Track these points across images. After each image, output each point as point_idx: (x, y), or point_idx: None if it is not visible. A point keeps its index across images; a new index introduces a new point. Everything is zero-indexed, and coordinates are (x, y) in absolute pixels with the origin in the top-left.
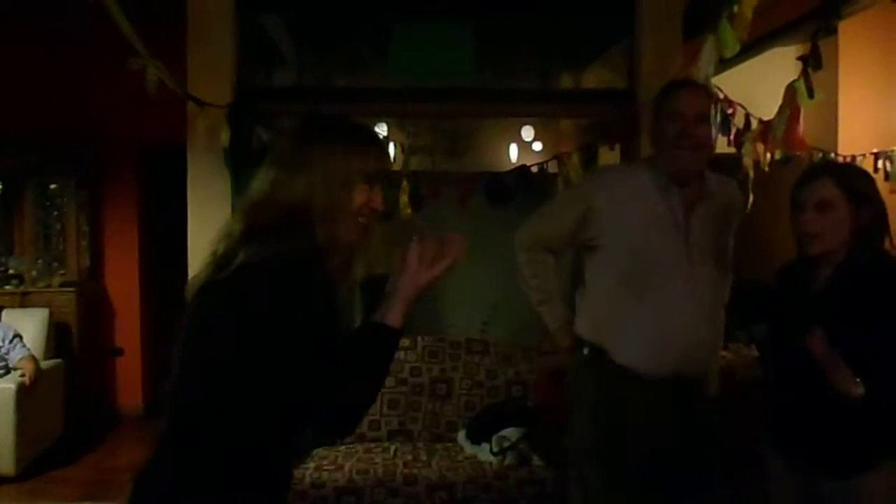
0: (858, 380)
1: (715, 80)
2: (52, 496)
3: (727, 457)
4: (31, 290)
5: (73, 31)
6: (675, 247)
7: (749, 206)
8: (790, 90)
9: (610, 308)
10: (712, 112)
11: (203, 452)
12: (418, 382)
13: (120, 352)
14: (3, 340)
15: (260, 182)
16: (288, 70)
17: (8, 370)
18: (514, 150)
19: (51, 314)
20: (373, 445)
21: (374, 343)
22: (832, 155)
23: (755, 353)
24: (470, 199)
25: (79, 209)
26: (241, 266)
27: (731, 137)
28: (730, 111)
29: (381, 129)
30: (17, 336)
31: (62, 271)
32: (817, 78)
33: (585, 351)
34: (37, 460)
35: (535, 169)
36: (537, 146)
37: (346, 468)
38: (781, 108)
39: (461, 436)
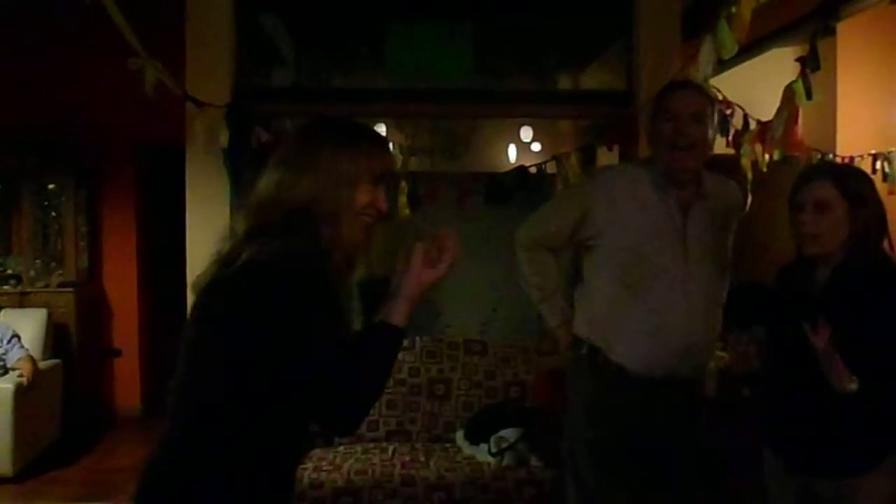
0: (853, 376)
1: (713, 81)
2: (49, 497)
3: (725, 457)
4: (29, 290)
5: (72, 31)
6: (671, 247)
7: (747, 207)
8: (789, 91)
9: (606, 307)
10: (710, 113)
11: (209, 449)
12: (416, 383)
13: (118, 352)
14: (1, 341)
15: (265, 183)
16: (287, 70)
17: (6, 370)
18: (512, 151)
19: (49, 314)
20: (371, 446)
21: (378, 341)
22: (830, 156)
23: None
24: (468, 200)
25: (77, 209)
26: (245, 264)
27: (730, 138)
28: (728, 112)
29: (380, 130)
30: (16, 336)
31: (60, 271)
32: (816, 79)
33: (583, 350)
34: (34, 461)
35: (533, 170)
36: (536, 147)
37: (344, 469)
38: (780, 109)
39: (459, 436)
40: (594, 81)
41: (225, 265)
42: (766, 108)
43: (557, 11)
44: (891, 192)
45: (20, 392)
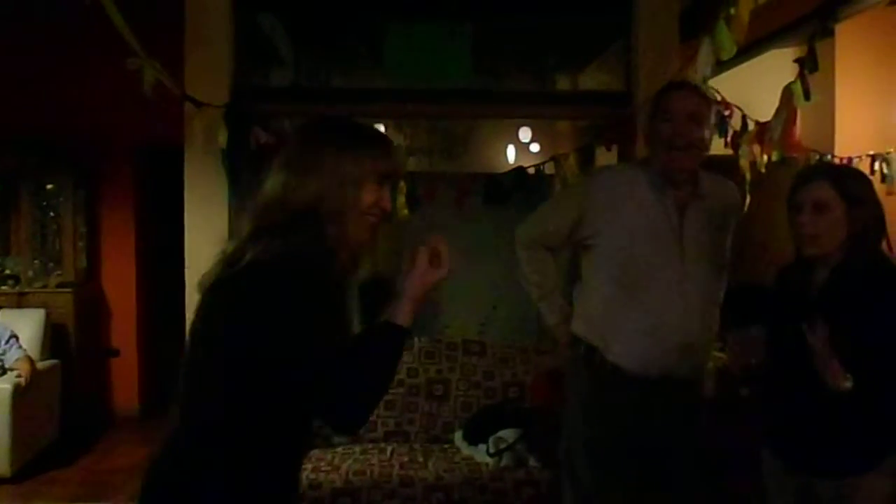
0: (848, 375)
1: (712, 82)
2: (48, 497)
3: (724, 457)
4: (27, 290)
5: (70, 31)
6: (667, 247)
7: (746, 208)
8: (787, 92)
9: (603, 307)
10: (707, 113)
11: (212, 449)
12: (415, 383)
13: (116, 353)
14: (0, 341)
15: (271, 184)
16: (285, 70)
17: (4, 371)
18: (511, 152)
19: (47, 315)
20: (369, 446)
21: (382, 340)
22: (829, 157)
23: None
24: (467, 201)
25: (76, 209)
26: (249, 263)
27: (728, 139)
28: (727, 113)
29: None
30: (14, 336)
31: (59, 272)
32: (814, 80)
33: (581, 349)
34: (32, 461)
35: (532, 170)
36: (535, 147)
37: (343, 469)
38: (778, 109)
39: (458, 437)
40: (593, 82)
41: (229, 265)
42: (764, 108)
43: (556, 12)
44: (889, 193)
45: (18, 392)
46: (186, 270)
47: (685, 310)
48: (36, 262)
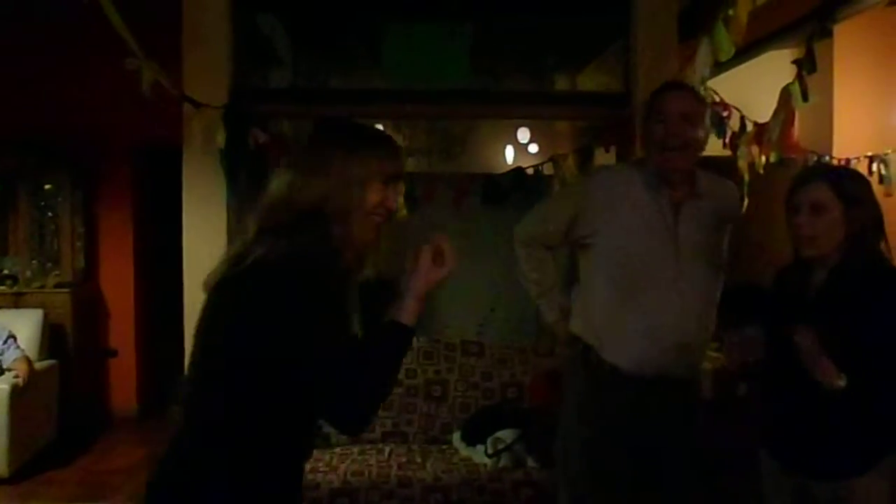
0: (842, 374)
1: (710, 83)
2: (46, 497)
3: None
4: (25, 290)
5: (69, 32)
6: (663, 246)
7: (744, 209)
8: (785, 93)
9: (600, 306)
10: (702, 114)
11: (216, 449)
12: (413, 384)
13: (114, 353)
14: None
15: (276, 185)
16: (284, 71)
17: (2, 371)
18: (510, 152)
19: (45, 315)
20: (367, 447)
21: (388, 339)
22: (827, 158)
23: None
24: (465, 201)
25: (74, 210)
26: (255, 263)
27: (727, 140)
28: (725, 114)
29: None
30: (12, 337)
31: (57, 272)
32: (812, 81)
33: (579, 348)
34: (30, 462)
35: (530, 171)
36: (533, 148)
37: (341, 470)
38: (776, 110)
39: (456, 437)
40: (591, 83)
41: (234, 265)
42: (762, 109)
43: (555, 13)
44: (887, 194)
45: (16, 393)
46: (185, 271)
47: (682, 309)
48: (34, 262)
